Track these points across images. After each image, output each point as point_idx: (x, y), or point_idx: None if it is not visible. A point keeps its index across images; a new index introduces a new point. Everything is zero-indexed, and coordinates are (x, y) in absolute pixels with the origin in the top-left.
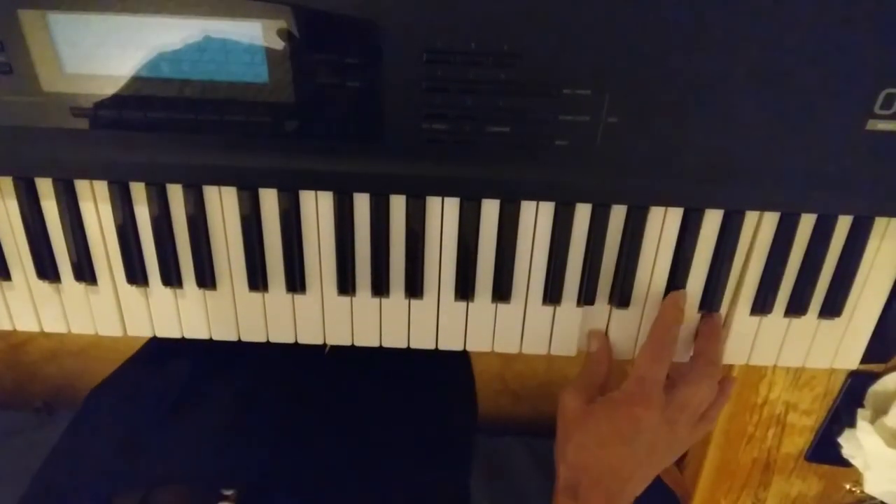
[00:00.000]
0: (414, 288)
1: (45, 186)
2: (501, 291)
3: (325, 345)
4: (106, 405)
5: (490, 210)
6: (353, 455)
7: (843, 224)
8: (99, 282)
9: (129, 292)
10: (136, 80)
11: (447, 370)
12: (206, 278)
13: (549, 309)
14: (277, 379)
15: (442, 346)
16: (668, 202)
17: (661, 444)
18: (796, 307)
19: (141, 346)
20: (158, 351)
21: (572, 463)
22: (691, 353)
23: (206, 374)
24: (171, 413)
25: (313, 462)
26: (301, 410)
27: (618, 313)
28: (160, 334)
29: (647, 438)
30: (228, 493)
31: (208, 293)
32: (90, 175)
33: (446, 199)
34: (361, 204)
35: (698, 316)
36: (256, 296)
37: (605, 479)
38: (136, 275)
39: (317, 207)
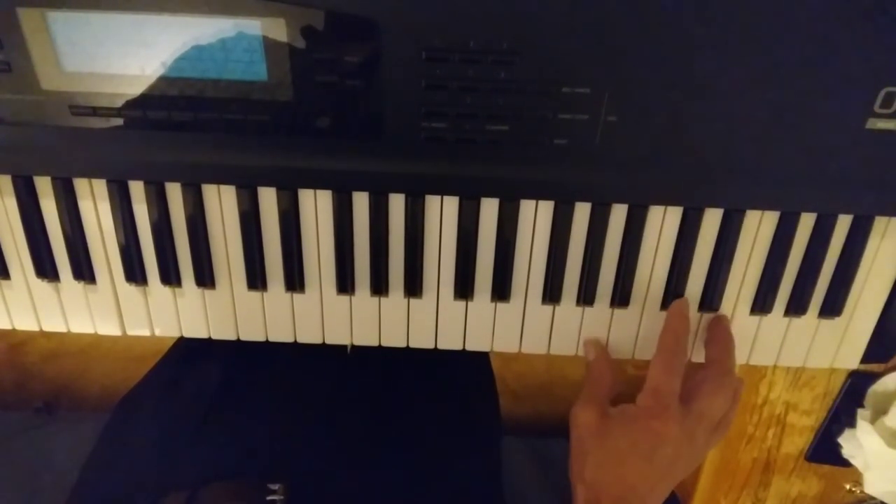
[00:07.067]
0: (413, 287)
1: (43, 185)
2: (501, 291)
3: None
4: (140, 410)
5: (489, 209)
6: (391, 450)
7: (843, 223)
8: (98, 281)
9: (128, 291)
10: (134, 78)
11: (471, 368)
12: (205, 277)
13: (548, 308)
14: (308, 376)
15: (441, 346)
16: (667, 201)
17: (680, 457)
18: (796, 307)
19: (168, 348)
20: (188, 352)
21: (591, 482)
22: (693, 357)
23: (238, 373)
24: (208, 413)
25: (353, 456)
26: (335, 407)
27: (617, 313)
28: (159, 333)
29: (667, 452)
30: (275, 487)
31: (207, 292)
32: (89, 173)
33: (445, 198)
34: (360, 203)
35: (699, 316)
36: (255, 295)
37: (626, 497)
38: (134, 274)
39: (316, 206)
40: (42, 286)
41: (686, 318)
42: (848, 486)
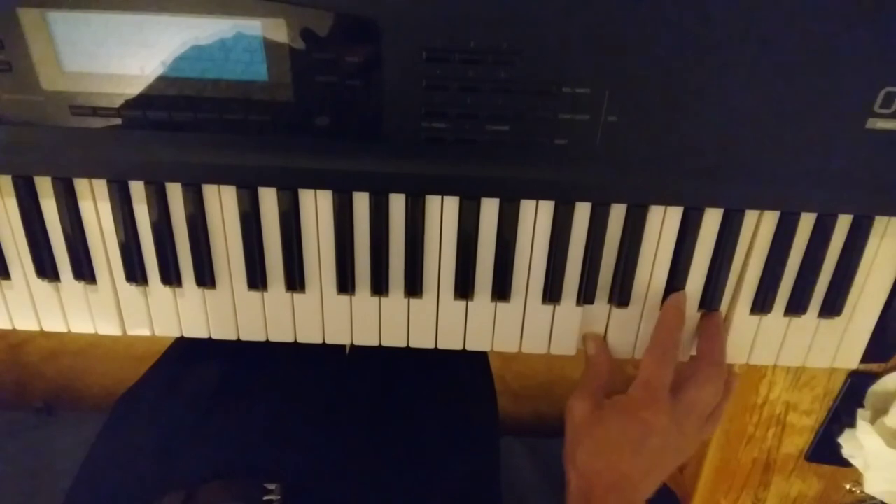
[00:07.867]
0: (413, 287)
1: (44, 185)
2: (501, 290)
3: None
4: (139, 408)
5: (489, 209)
6: (388, 450)
7: (843, 223)
8: (98, 281)
9: (129, 291)
10: (134, 78)
11: (470, 368)
12: (206, 277)
13: (548, 308)
14: (307, 376)
15: (441, 346)
16: (667, 201)
17: (670, 447)
18: (796, 306)
19: (167, 348)
20: (187, 351)
21: (583, 470)
22: (692, 353)
23: (236, 373)
24: (206, 412)
25: (351, 456)
26: (333, 407)
27: (617, 312)
28: (159, 333)
29: (657, 443)
30: (272, 487)
31: (207, 292)
32: (89, 174)
33: (446, 198)
34: (361, 203)
35: (698, 315)
36: (256, 295)
37: (617, 485)
38: (135, 274)
39: (316, 206)
40: (42, 286)
41: (682, 312)
42: (848, 486)
